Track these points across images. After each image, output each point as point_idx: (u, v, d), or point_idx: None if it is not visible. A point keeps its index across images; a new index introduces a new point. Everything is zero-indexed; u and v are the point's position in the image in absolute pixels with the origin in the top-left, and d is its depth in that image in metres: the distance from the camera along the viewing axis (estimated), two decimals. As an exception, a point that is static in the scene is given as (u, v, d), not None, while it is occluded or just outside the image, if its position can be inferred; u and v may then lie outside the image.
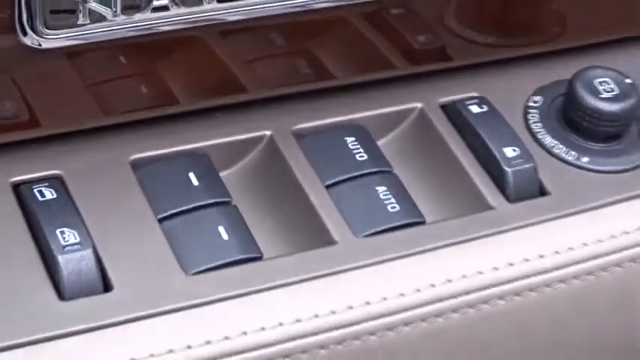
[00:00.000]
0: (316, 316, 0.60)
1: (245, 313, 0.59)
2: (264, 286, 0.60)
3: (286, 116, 0.67)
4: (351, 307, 0.60)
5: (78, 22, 0.59)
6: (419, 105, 0.69)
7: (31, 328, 0.56)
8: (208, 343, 0.57)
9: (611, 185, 0.68)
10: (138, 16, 0.60)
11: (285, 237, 0.64)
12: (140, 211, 0.62)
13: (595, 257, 0.65)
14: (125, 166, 0.64)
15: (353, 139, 0.67)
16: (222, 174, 0.65)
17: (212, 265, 0.60)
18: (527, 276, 0.64)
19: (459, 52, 0.71)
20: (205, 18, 0.62)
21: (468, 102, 0.69)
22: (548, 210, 0.66)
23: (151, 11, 0.60)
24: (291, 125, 0.67)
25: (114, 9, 0.59)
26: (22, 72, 0.60)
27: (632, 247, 0.66)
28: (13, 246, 0.59)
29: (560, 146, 0.69)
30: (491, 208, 0.65)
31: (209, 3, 0.61)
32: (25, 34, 0.58)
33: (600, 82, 0.69)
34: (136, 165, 0.64)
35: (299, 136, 0.67)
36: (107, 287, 0.59)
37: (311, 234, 0.63)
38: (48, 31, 0.58)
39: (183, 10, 0.61)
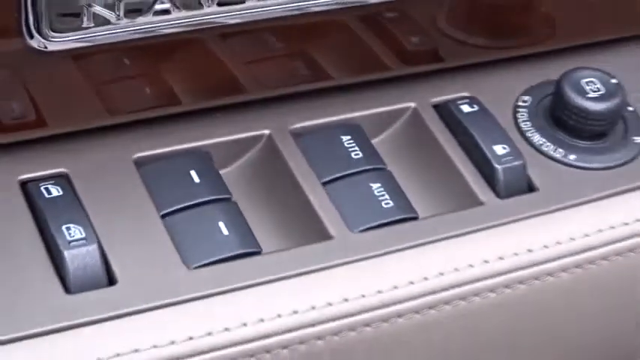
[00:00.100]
0: (313, 308, 0.60)
1: (244, 305, 0.59)
2: (263, 280, 0.60)
3: (284, 116, 0.67)
4: (346, 300, 0.60)
5: (83, 26, 0.59)
6: (412, 105, 0.69)
7: (38, 320, 0.56)
8: (209, 334, 0.57)
9: (598, 182, 0.68)
10: (140, 20, 0.60)
11: (283, 232, 0.64)
12: (143, 207, 0.62)
13: (582, 251, 0.65)
14: (129, 164, 0.64)
15: (348, 137, 0.67)
16: (223, 172, 0.65)
17: (213, 259, 0.60)
18: (517, 269, 0.64)
19: (450, 53, 0.71)
20: (205, 21, 0.62)
21: (459, 102, 0.69)
22: (536, 205, 0.66)
23: (153, 15, 0.60)
24: (288, 124, 0.67)
25: (117, 13, 0.59)
26: (28, 73, 0.60)
27: (618, 241, 0.66)
28: (21, 242, 0.59)
29: (548, 144, 0.69)
30: (481, 203, 0.65)
31: (209, 7, 0.61)
32: (31, 37, 0.58)
33: (587, 82, 0.69)
34: (139, 163, 0.64)
35: (296, 135, 0.67)
36: (111, 281, 0.59)
37: (308, 229, 0.63)
38: (54, 34, 0.58)
39: (184, 13, 0.61)
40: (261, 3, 0.62)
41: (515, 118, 0.70)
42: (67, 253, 0.58)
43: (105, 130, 0.64)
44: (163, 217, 0.62)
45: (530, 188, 0.67)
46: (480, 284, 0.63)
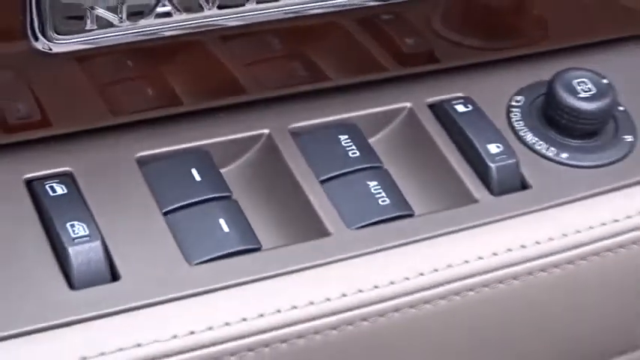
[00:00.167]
0: (312, 303, 0.60)
1: (244, 300, 0.59)
2: (262, 275, 0.60)
3: (283, 116, 0.67)
4: (344, 295, 0.60)
5: (86, 28, 0.59)
6: (408, 105, 0.69)
7: (43, 315, 0.56)
8: (210, 328, 0.57)
9: (589, 179, 0.68)
10: (142, 22, 0.60)
11: (283, 229, 0.64)
12: (146, 205, 0.62)
13: (574, 247, 0.65)
14: (132, 163, 0.64)
15: (346, 137, 0.67)
16: (223, 170, 0.65)
17: (214, 255, 0.60)
18: (510, 265, 0.64)
19: (445, 54, 0.71)
20: (206, 23, 0.62)
21: (454, 102, 0.69)
22: (529, 203, 0.66)
23: (155, 17, 0.60)
24: (287, 124, 0.67)
25: (120, 15, 0.59)
26: (33, 75, 0.60)
27: (609, 237, 0.66)
28: (27, 239, 0.59)
29: (541, 143, 0.69)
30: (476, 201, 0.65)
31: (209, 9, 0.61)
32: (36, 39, 0.58)
33: (578, 83, 0.69)
34: (141, 162, 0.64)
35: (295, 134, 0.67)
36: (115, 277, 0.59)
37: (306, 226, 0.63)
38: (58, 36, 0.58)
39: (185, 16, 0.61)
40: (261, 6, 0.62)
41: (509, 118, 0.70)
42: (71, 250, 0.58)
43: (108, 130, 0.64)
44: (165, 214, 0.62)
45: (524, 186, 0.67)
46: (475, 279, 0.63)
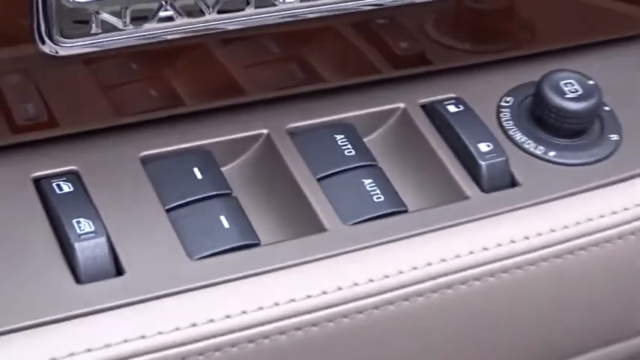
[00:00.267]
0: (309, 296, 0.59)
1: (244, 294, 0.59)
2: (261, 270, 0.60)
3: (281, 116, 0.67)
4: (340, 288, 0.60)
5: (91, 32, 0.59)
6: (401, 105, 0.69)
7: (50, 309, 0.56)
8: (211, 321, 0.57)
9: (576, 177, 0.68)
10: (146, 26, 0.60)
11: (281, 225, 0.64)
12: (149, 202, 0.62)
13: (562, 242, 0.65)
14: (135, 161, 0.63)
15: (342, 136, 0.67)
16: (224, 168, 0.65)
17: (214, 250, 0.60)
18: (500, 259, 0.64)
19: (437, 57, 0.71)
20: (207, 27, 0.61)
21: (445, 102, 0.69)
22: (518, 199, 0.66)
23: (158, 22, 0.60)
24: (285, 124, 0.67)
25: (124, 19, 0.59)
26: (41, 77, 0.60)
27: (595, 232, 0.66)
28: (34, 235, 0.59)
29: (530, 142, 0.69)
30: (467, 197, 0.65)
31: (210, 14, 0.61)
32: (43, 42, 0.58)
33: (565, 84, 0.69)
34: (145, 161, 0.64)
35: (293, 134, 0.67)
36: (119, 271, 0.59)
37: (304, 222, 0.63)
38: (64, 39, 0.58)
39: (186, 20, 0.61)
40: (259, 10, 0.62)
41: (499, 118, 0.70)
42: (77, 246, 0.58)
43: (113, 130, 0.64)
44: (168, 211, 0.62)
45: (513, 183, 0.67)
46: (466, 273, 0.63)
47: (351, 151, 0.66)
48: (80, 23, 0.58)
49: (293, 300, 0.59)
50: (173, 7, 0.60)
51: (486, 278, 0.63)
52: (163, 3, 0.60)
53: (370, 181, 0.65)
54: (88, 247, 0.58)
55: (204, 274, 0.59)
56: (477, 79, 0.72)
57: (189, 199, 0.62)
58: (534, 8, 0.72)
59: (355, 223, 0.63)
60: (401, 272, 0.61)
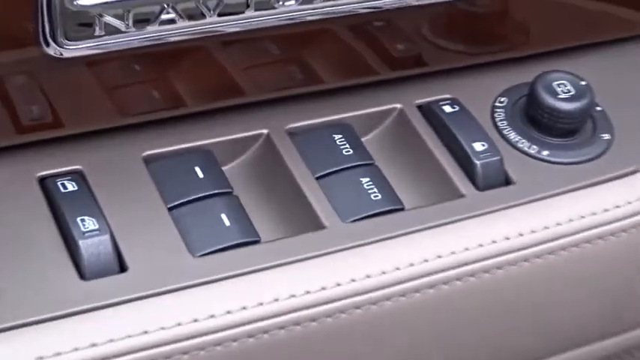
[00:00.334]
0: (308, 292, 0.59)
1: (245, 290, 0.59)
2: (261, 266, 0.60)
3: (281, 116, 0.67)
4: (338, 284, 0.60)
5: (95, 34, 0.59)
6: (398, 106, 0.69)
7: (56, 304, 0.56)
8: (212, 316, 0.57)
9: (569, 175, 0.68)
10: (148, 29, 0.60)
11: (281, 223, 0.64)
12: (152, 200, 0.62)
13: (555, 239, 0.65)
14: (138, 161, 0.63)
15: (340, 136, 0.67)
16: (225, 168, 0.65)
17: (216, 247, 0.60)
18: (495, 256, 0.64)
19: (433, 58, 0.71)
20: (208, 30, 0.61)
21: (441, 103, 0.69)
22: (513, 197, 0.66)
23: (160, 24, 0.60)
24: (285, 124, 0.67)
25: (127, 22, 0.59)
26: (46, 79, 0.60)
27: (587, 229, 0.66)
28: (40, 233, 0.59)
29: (524, 141, 0.69)
30: (462, 196, 0.65)
31: (210, 17, 0.61)
32: (47, 45, 0.58)
33: (558, 84, 0.69)
34: (148, 160, 0.64)
35: (292, 134, 0.66)
36: (123, 268, 0.59)
37: (303, 220, 0.63)
38: (68, 42, 0.58)
39: (188, 23, 0.61)
40: (258, 13, 0.62)
41: (493, 118, 0.70)
42: (81, 243, 0.58)
43: (116, 130, 0.64)
44: (170, 209, 0.62)
45: (507, 181, 0.67)
46: (461, 269, 0.63)
47: (349, 151, 0.66)
48: (84, 26, 0.58)
49: (292, 296, 0.59)
50: (175, 10, 0.60)
51: (481, 274, 0.63)
52: (165, 6, 0.59)
53: (368, 179, 0.65)
54: (92, 245, 0.58)
55: (205, 270, 0.59)
56: (471, 80, 0.72)
57: (190, 198, 0.62)
58: (528, 11, 0.72)
59: (353, 221, 0.63)
60: (397, 269, 0.61)
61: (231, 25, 0.62)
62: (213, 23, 0.61)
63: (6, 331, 0.55)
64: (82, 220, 0.59)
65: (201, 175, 0.63)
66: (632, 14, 0.76)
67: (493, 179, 0.66)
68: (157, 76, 0.63)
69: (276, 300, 0.59)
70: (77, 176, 0.62)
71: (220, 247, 0.60)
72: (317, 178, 0.64)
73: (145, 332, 0.56)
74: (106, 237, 0.58)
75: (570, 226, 0.65)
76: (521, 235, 0.64)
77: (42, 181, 0.61)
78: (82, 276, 0.58)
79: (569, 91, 0.68)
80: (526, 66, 0.73)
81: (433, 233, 0.63)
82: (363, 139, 0.68)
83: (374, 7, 0.65)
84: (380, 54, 0.69)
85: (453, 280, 0.63)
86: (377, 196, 0.64)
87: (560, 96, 0.68)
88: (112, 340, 0.56)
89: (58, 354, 0.55)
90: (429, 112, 0.69)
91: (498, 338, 0.69)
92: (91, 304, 0.57)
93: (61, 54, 0.59)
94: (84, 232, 0.58)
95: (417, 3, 0.66)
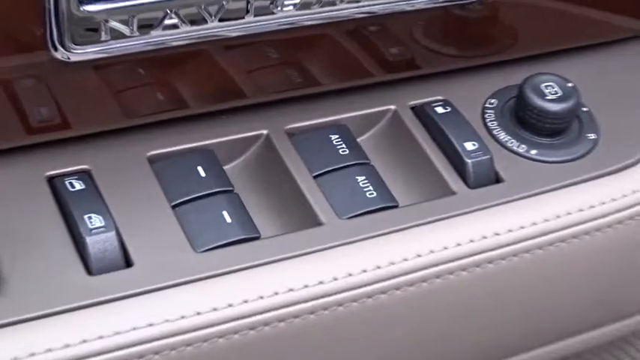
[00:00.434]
0: (306, 286, 0.59)
1: (246, 284, 0.59)
2: (261, 262, 0.60)
3: (280, 117, 0.67)
4: (335, 279, 0.60)
5: (101, 39, 0.59)
6: (392, 107, 0.69)
7: (64, 299, 0.56)
8: (214, 309, 0.57)
9: (556, 173, 0.68)
10: (152, 33, 0.60)
11: (280, 219, 0.64)
12: (156, 199, 0.62)
13: (543, 234, 0.65)
14: (143, 161, 0.63)
15: (337, 136, 0.67)
16: (226, 167, 0.65)
17: (218, 243, 0.60)
18: (485, 251, 0.64)
19: (426, 61, 0.71)
20: (209, 34, 0.61)
21: (434, 104, 0.69)
22: (502, 195, 0.66)
23: (163, 29, 0.60)
24: (284, 125, 0.67)
25: (131, 27, 0.59)
26: (54, 82, 0.60)
27: (574, 225, 0.66)
28: (48, 230, 0.59)
29: (513, 141, 0.69)
30: (454, 193, 0.65)
31: (212, 22, 0.61)
32: (55, 49, 0.58)
33: (546, 86, 0.69)
34: (152, 160, 0.64)
35: (291, 134, 0.67)
36: (128, 263, 0.59)
37: (302, 217, 0.63)
38: (75, 46, 0.58)
39: (190, 27, 0.61)
40: (258, 18, 0.62)
41: (484, 118, 0.70)
42: (88, 239, 0.58)
43: (122, 131, 0.64)
44: (174, 207, 0.62)
45: (497, 179, 0.67)
46: (453, 264, 0.63)
47: (345, 150, 0.66)
48: (90, 31, 0.58)
49: (291, 290, 0.59)
50: (177, 16, 0.60)
51: (472, 268, 0.63)
52: (168, 11, 0.59)
53: (363, 178, 0.65)
54: (99, 241, 0.58)
55: (207, 265, 0.59)
56: (463, 82, 0.72)
57: (193, 196, 0.62)
58: (516, 17, 0.72)
59: (349, 218, 0.63)
60: (392, 263, 0.61)
61: (231, 29, 0.62)
62: (214, 28, 0.61)
63: (16, 324, 0.55)
64: (89, 218, 0.59)
65: (203, 174, 0.63)
66: (616, 19, 0.76)
67: (483, 177, 0.66)
68: (160, 78, 0.63)
69: (276, 294, 0.59)
70: (84, 175, 0.62)
71: (222, 243, 0.60)
72: (315, 177, 0.64)
73: (150, 325, 0.56)
74: (112, 234, 0.58)
75: (558, 222, 0.65)
76: (510, 230, 0.64)
77: (51, 180, 0.61)
78: (89, 271, 0.58)
79: (556, 93, 0.68)
80: (515, 69, 0.73)
81: (426, 229, 0.63)
82: (358, 139, 0.68)
83: (369, 13, 0.65)
84: (375, 57, 0.69)
85: (445, 274, 0.63)
86: (372, 193, 0.64)
87: (547, 97, 0.68)
88: (118, 333, 0.56)
89: (67, 345, 0.55)
90: (422, 113, 0.69)
91: (490, 329, 0.69)
92: (98, 298, 0.57)
93: (69, 58, 0.58)
94: (91, 229, 0.58)
95: (410, 8, 0.66)
